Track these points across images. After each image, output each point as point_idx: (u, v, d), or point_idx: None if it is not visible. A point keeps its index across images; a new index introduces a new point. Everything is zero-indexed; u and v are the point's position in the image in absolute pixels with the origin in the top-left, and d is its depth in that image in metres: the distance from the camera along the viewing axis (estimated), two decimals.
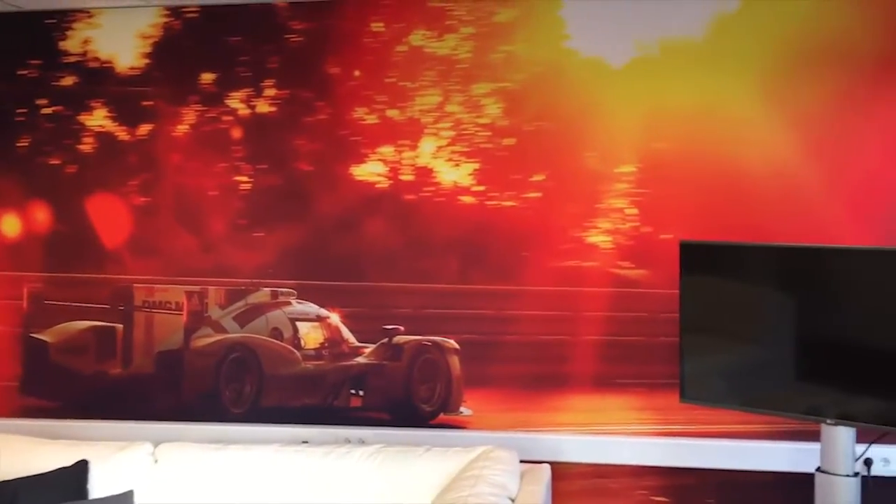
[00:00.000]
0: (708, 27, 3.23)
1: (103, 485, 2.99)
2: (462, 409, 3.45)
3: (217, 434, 3.47)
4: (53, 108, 3.62)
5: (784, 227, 3.16)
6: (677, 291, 2.95)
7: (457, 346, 3.45)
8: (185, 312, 3.57)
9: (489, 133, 3.43)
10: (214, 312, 3.57)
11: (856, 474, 2.69)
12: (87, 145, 3.62)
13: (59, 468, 2.98)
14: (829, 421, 2.70)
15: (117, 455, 3.08)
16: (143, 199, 3.59)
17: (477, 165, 3.44)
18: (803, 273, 2.81)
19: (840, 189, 3.16)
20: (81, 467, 3.00)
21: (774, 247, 2.89)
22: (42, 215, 3.64)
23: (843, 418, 2.68)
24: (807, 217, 3.16)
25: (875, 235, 3.10)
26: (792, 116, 3.18)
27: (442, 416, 3.47)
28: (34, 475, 2.94)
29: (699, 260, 2.96)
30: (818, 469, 2.74)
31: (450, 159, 3.46)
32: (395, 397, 3.49)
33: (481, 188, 3.43)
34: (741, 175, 3.22)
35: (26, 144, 3.64)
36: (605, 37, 3.30)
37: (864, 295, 2.69)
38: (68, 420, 3.58)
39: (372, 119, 3.49)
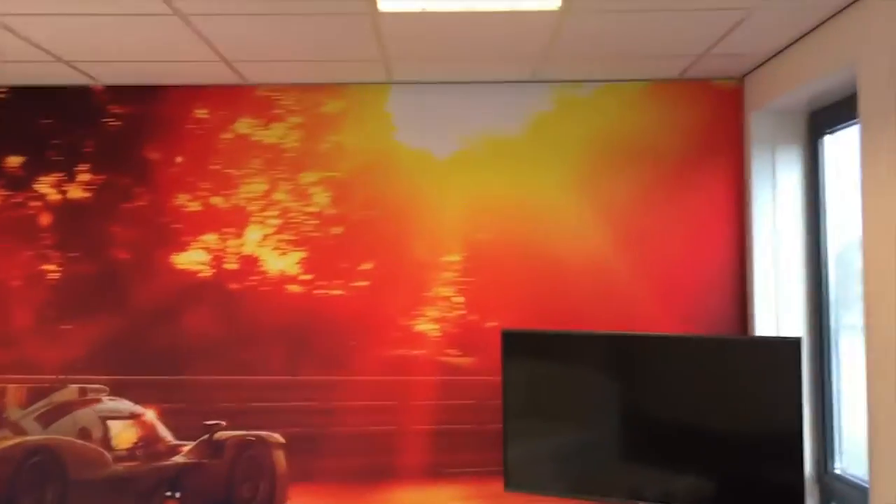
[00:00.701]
0: (526, 124, 3.41)
1: None
2: None
3: None
4: None
5: (599, 314, 3.31)
6: None
7: (282, 440, 3.33)
8: None
9: (317, 221, 3.41)
10: (13, 413, 3.27)
11: None
12: None
13: None
14: None
15: None
16: None
17: (304, 254, 3.40)
18: (618, 358, 2.94)
19: (647, 277, 3.36)
20: None
21: (591, 335, 3.02)
22: None
23: (662, 499, 2.78)
24: (619, 303, 3.33)
25: (680, 320, 3.30)
26: (603, 208, 3.38)
27: None
28: None
29: (521, 347, 3.04)
30: None
31: (276, 247, 3.40)
32: (216, 498, 3.30)
33: (308, 277, 3.39)
34: (558, 264, 3.37)
35: None
36: (430, 131, 3.40)
37: (673, 377, 2.85)
38: None
39: (195, 206, 3.39)
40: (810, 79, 2.81)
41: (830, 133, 3.15)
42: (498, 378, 3.07)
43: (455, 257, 3.39)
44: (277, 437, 3.32)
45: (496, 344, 3.09)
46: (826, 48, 2.70)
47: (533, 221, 3.38)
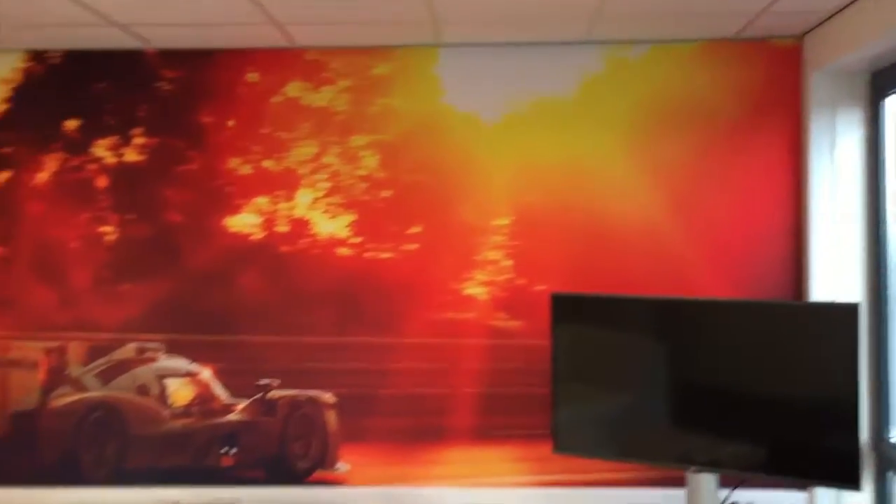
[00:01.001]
0: (576, 86, 3.36)
1: None
2: (339, 464, 3.37)
3: (77, 499, 3.27)
4: None
5: (650, 278, 3.28)
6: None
7: (333, 400, 3.38)
8: (42, 370, 3.37)
9: (366, 185, 3.43)
10: (75, 370, 3.38)
11: None
12: None
13: None
14: (692, 468, 2.79)
15: None
16: None
17: (354, 217, 3.42)
18: (669, 323, 2.91)
19: (699, 240, 3.31)
20: None
21: (641, 299, 2.99)
22: None
23: (711, 464, 2.77)
24: (671, 268, 3.30)
25: (731, 284, 3.26)
26: (655, 171, 3.32)
27: (318, 473, 3.38)
28: None
29: (570, 311, 3.02)
30: None
31: (326, 211, 3.43)
32: (269, 454, 3.38)
33: (358, 240, 3.41)
34: (608, 228, 3.34)
35: None
36: (479, 94, 3.37)
37: (726, 344, 2.81)
38: None
39: (246, 169, 3.43)
40: (873, 38, 2.71)
41: (893, 94, 3.05)
42: (546, 341, 3.07)
43: (504, 221, 3.38)
44: (329, 396, 3.38)
45: (545, 307, 3.08)
46: (891, 5, 2.60)
47: (583, 184, 3.35)
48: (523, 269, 3.37)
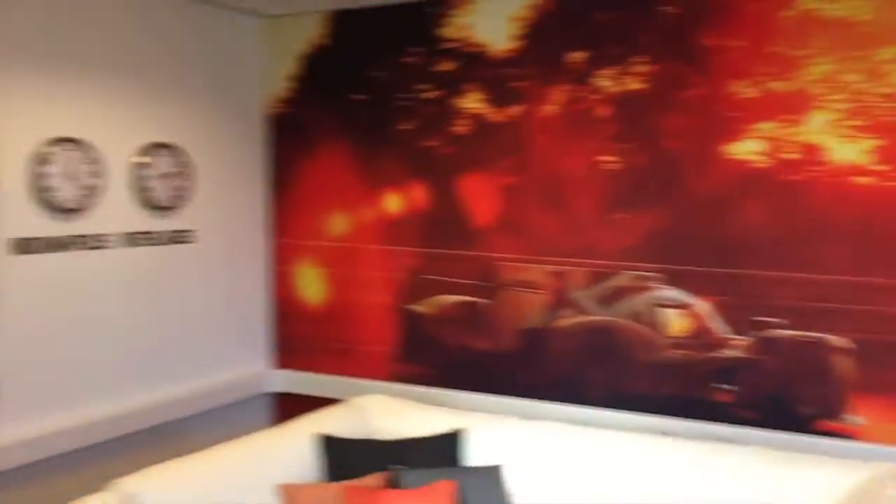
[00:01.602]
0: None
1: (475, 455, 3.11)
2: (850, 416, 3.07)
3: (576, 416, 3.46)
4: (432, 93, 3.83)
5: None
6: None
7: (847, 345, 3.07)
8: (548, 292, 3.60)
9: (893, 104, 2.98)
10: (577, 294, 3.55)
11: None
12: (461, 127, 3.77)
13: (437, 434, 3.15)
14: None
15: (489, 428, 3.18)
16: (511, 179, 3.67)
17: (877, 141, 3.01)
18: None
19: None
20: (456, 436, 3.14)
21: None
22: (419, 194, 3.88)
23: None
24: None
25: None
26: None
27: (823, 422, 3.12)
28: (414, 438, 3.15)
29: None
30: None
31: (843, 134, 3.07)
32: (768, 395, 3.20)
33: (882, 167, 3.00)
34: None
35: (407, 128, 3.89)
36: None
37: None
38: (438, 388, 3.80)
39: (751, 92, 3.20)
40: None
41: None
42: None
43: None
44: (841, 341, 3.07)
45: None
46: None
47: None
48: None
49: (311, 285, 4.17)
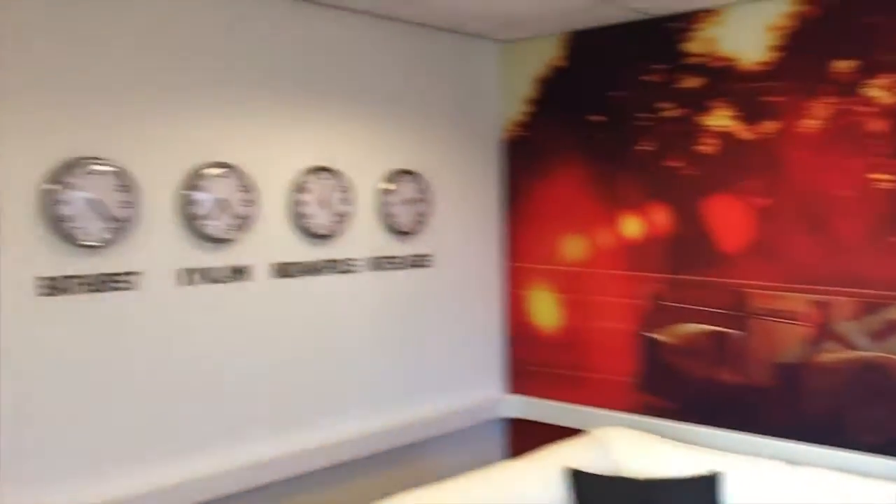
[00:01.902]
0: None
1: (736, 502, 2.89)
2: None
3: (840, 460, 3.13)
4: (675, 112, 3.64)
5: None
6: None
7: None
8: (808, 323, 3.29)
9: None
10: (842, 326, 3.21)
11: None
12: (706, 146, 3.56)
13: (694, 476, 2.95)
14: None
15: (751, 472, 2.95)
16: (764, 200, 3.40)
17: None
18: None
19: None
20: (714, 479, 2.93)
21: None
22: (661, 217, 3.70)
23: None
24: None
25: None
26: None
27: None
28: (670, 479, 2.97)
29: None
30: None
31: None
32: None
33: None
34: None
35: (648, 148, 3.73)
36: None
37: None
38: (680, 422, 3.58)
39: None
40: None
41: None
42: None
43: None
44: None
45: None
46: None
47: None
48: None
49: (546, 310, 4.10)
